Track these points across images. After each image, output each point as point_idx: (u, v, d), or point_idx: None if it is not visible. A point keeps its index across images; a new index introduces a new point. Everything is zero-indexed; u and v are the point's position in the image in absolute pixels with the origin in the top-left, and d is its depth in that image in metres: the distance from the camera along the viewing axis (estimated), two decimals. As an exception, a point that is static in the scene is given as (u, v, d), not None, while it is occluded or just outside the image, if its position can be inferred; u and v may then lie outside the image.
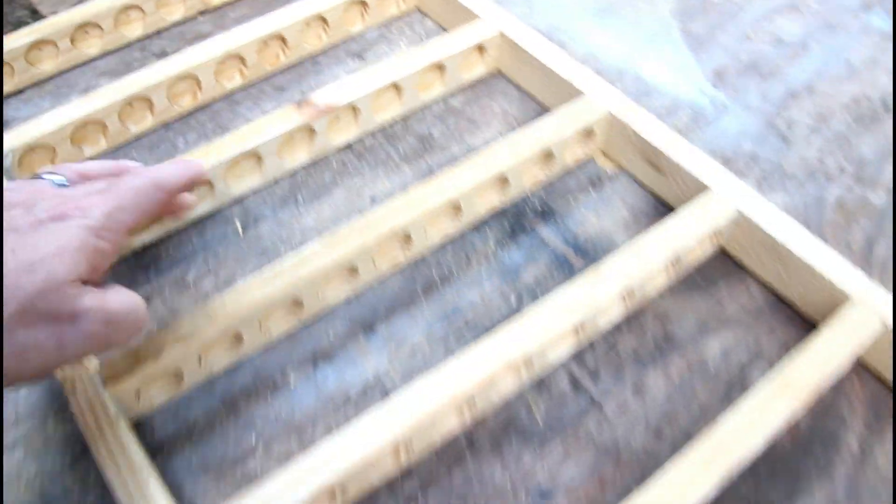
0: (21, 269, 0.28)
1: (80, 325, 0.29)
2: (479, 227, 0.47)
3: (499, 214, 0.47)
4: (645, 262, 0.41)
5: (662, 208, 0.48)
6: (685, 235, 0.42)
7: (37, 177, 0.34)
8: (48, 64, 0.54)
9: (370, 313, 0.43)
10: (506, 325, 0.38)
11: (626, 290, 0.40)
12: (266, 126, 0.47)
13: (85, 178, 0.36)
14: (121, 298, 0.31)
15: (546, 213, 0.47)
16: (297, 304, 0.41)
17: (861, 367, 0.42)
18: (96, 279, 0.31)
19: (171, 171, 0.36)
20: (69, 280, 0.29)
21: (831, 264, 0.42)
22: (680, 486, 0.34)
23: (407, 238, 0.43)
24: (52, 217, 0.30)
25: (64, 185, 0.34)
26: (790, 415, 0.36)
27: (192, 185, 0.39)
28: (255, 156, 0.46)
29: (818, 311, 0.42)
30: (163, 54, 0.55)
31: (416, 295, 0.44)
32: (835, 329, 0.39)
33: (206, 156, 0.45)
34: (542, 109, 0.53)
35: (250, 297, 0.39)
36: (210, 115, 0.52)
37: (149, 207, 0.34)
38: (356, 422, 0.35)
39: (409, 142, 0.51)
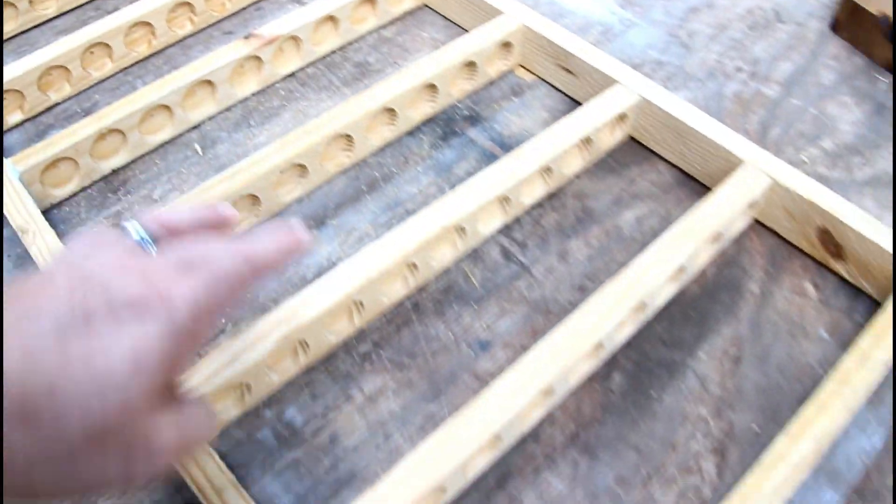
0: (91, 383, 0.23)
1: (154, 459, 0.25)
2: (414, 133, 0.52)
3: (431, 122, 0.52)
4: (558, 143, 0.46)
5: (578, 107, 0.53)
6: (594, 118, 0.48)
7: (119, 225, 0.30)
8: (8, 24, 0.59)
9: (321, 210, 0.48)
10: (440, 199, 0.43)
11: (543, 167, 0.46)
12: (218, 57, 0.51)
13: (174, 232, 0.30)
14: (198, 423, 0.28)
15: (474, 119, 0.53)
16: (255, 200, 0.45)
17: (759, 226, 0.47)
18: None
19: (270, 247, 0.29)
20: (146, 405, 0.24)
21: (727, 136, 0.47)
22: (595, 318, 0.39)
23: (349, 141, 0.48)
24: (131, 305, 0.25)
25: (147, 243, 0.29)
26: (690, 255, 0.42)
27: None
28: (210, 84, 0.51)
29: (718, 179, 0.48)
30: (115, 12, 0.60)
31: (361, 192, 0.49)
32: (728, 185, 0.45)
33: (163, 86, 0.50)
34: (468, 35, 0.58)
35: (212, 195, 0.44)
36: (165, 59, 0.57)
37: (238, 296, 0.28)
38: (311, 285, 0.40)
39: (348, 69, 0.56)
